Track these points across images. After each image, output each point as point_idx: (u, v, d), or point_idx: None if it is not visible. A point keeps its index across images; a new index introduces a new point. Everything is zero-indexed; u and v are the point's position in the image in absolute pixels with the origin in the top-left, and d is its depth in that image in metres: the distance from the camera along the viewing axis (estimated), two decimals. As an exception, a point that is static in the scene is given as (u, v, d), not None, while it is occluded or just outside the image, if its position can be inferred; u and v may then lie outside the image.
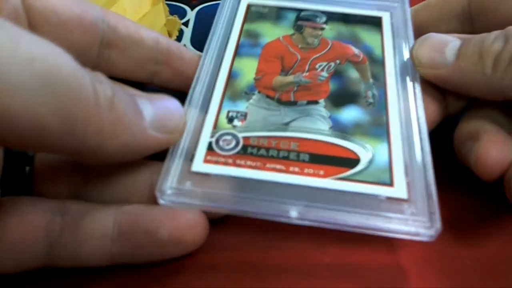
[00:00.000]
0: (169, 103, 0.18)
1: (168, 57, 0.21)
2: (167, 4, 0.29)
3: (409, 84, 0.20)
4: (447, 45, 0.19)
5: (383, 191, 0.17)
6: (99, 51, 0.19)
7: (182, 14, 0.31)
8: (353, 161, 0.18)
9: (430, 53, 0.20)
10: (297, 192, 0.17)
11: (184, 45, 0.29)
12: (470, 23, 0.22)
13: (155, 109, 0.17)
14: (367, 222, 0.16)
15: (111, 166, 0.18)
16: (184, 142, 0.19)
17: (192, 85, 0.21)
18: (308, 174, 0.17)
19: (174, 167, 0.18)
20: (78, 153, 0.15)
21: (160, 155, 0.18)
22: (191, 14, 0.31)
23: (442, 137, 0.20)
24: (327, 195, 0.17)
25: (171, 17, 0.27)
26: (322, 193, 0.17)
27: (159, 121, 0.17)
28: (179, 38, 0.29)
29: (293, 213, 0.16)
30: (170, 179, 0.17)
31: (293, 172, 0.18)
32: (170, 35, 0.27)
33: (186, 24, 0.30)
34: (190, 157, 0.18)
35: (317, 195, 0.17)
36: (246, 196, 0.17)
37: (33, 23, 0.17)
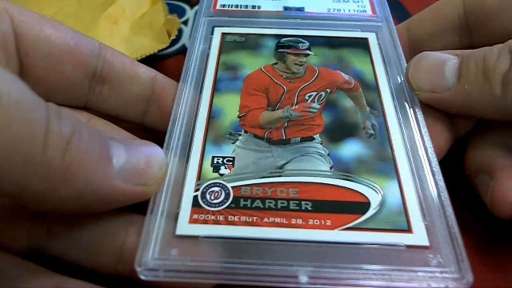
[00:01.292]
0: (149, 151, 0.15)
1: (160, 96, 0.19)
2: (166, 3, 0.27)
3: (409, 109, 0.19)
4: (445, 65, 0.18)
5: (401, 238, 0.15)
6: (90, 86, 0.18)
7: (181, 13, 0.30)
8: (363, 206, 0.16)
9: (428, 75, 0.18)
10: (304, 250, 0.14)
11: (184, 44, 0.28)
12: (468, 35, 0.20)
13: (130, 156, 0.14)
14: (389, 282, 0.14)
15: (77, 217, 0.15)
16: (165, 198, 0.16)
17: (168, 129, 0.18)
18: (314, 226, 0.15)
19: (155, 231, 0.15)
20: (19, 198, 0.12)
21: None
22: (190, 13, 0.30)
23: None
24: (338, 250, 0.14)
25: (170, 16, 0.26)
26: (332, 249, 0.14)
27: (132, 170, 0.14)
28: (178, 37, 0.28)
29: (303, 278, 0.14)
30: (152, 248, 0.14)
31: (296, 226, 0.15)
32: (169, 35, 0.26)
33: (185, 23, 0.29)
34: (173, 216, 0.15)
35: (327, 251, 0.14)
36: (244, 261, 0.14)
37: (24, 51, 0.17)
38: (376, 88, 0.20)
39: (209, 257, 0.14)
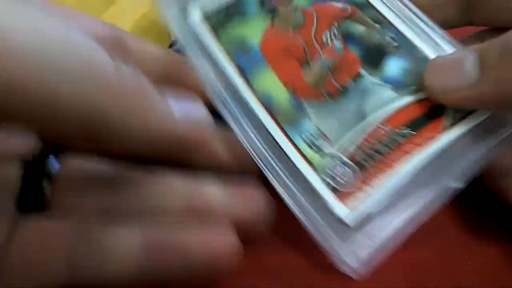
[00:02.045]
0: (193, 105, 0.17)
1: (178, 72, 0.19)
2: None
3: (409, 12, 0.20)
4: (464, 60, 0.17)
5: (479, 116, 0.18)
6: None
7: None
8: (439, 109, 0.18)
9: (447, 74, 0.17)
10: (435, 164, 0.17)
11: None
12: (466, 12, 0.21)
13: (182, 106, 0.16)
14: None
15: (142, 183, 0.16)
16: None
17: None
18: (422, 143, 0.17)
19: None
20: (95, 128, 0.13)
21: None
22: None
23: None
24: (455, 151, 0.17)
25: None
26: (450, 153, 0.17)
27: (186, 117, 0.16)
28: None
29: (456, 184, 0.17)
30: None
31: (416, 151, 0.17)
32: (169, 35, 0.24)
33: None
34: (325, 211, 0.16)
35: (450, 156, 0.17)
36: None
37: None
38: (369, 5, 0.21)
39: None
